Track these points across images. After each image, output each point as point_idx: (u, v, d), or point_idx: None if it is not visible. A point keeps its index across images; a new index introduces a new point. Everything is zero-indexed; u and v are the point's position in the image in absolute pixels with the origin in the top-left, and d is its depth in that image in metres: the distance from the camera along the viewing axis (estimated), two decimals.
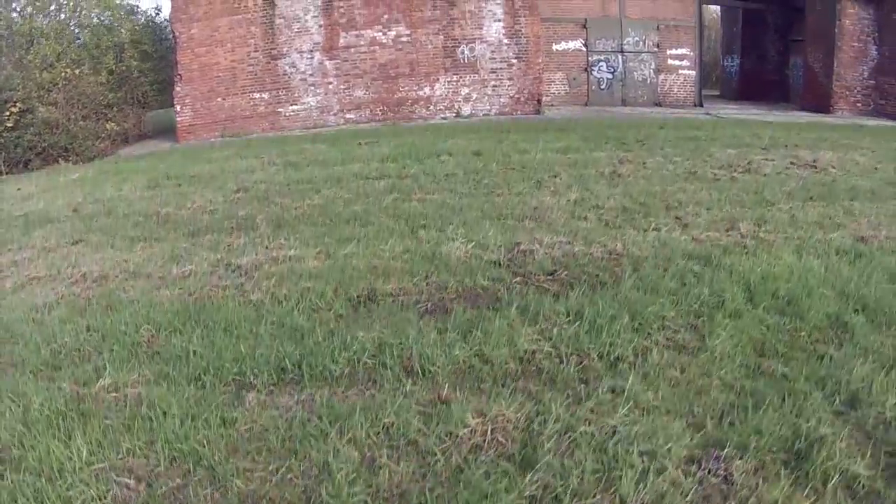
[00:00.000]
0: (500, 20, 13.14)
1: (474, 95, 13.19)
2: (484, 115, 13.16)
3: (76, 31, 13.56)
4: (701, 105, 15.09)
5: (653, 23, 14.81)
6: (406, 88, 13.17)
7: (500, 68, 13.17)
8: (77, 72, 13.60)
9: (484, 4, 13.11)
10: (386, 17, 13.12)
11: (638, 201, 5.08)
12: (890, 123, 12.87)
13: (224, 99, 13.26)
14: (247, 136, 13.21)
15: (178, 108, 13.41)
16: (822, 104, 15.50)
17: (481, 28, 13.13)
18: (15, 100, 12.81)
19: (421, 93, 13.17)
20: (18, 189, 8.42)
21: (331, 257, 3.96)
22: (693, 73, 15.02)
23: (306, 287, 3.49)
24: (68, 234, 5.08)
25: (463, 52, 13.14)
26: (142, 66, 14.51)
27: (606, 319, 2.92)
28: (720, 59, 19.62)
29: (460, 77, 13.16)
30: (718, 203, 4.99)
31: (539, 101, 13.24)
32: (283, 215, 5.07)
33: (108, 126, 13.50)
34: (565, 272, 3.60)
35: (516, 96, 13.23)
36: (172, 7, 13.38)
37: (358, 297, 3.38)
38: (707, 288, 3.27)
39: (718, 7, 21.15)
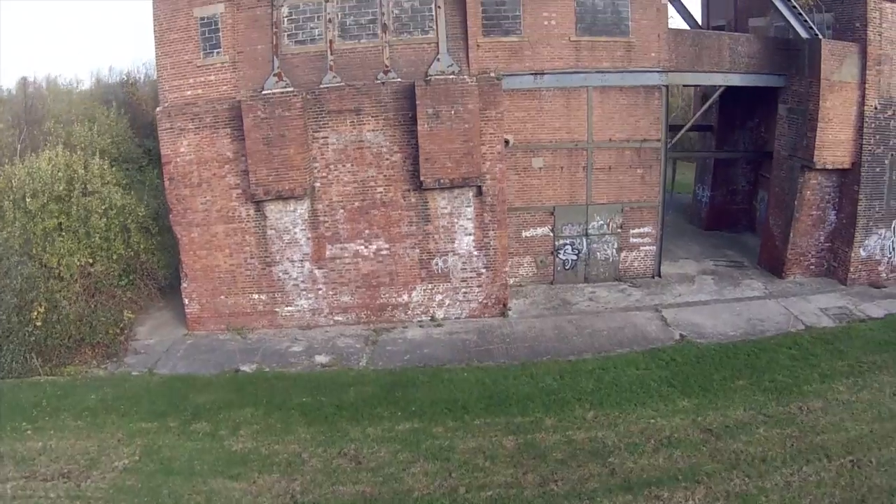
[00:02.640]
0: (470, 234, 15.51)
1: (447, 301, 15.88)
2: (455, 318, 15.93)
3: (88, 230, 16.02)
4: (659, 275, 17.58)
5: (618, 206, 16.93)
6: (387, 295, 15.88)
7: (471, 277, 15.73)
8: (92, 263, 16.33)
9: (456, 220, 15.43)
10: (367, 232, 15.54)
11: None
12: None
13: (227, 297, 16.10)
14: (249, 333, 16.23)
15: (186, 301, 16.29)
16: (776, 267, 17.98)
17: (454, 242, 15.55)
18: (40, 300, 15.73)
19: (400, 299, 15.89)
20: None
21: None
22: (654, 248, 17.34)
23: None
24: None
25: (437, 264, 15.67)
26: (149, 246, 17.08)
27: None
28: (694, 190, 21.63)
29: (435, 286, 15.78)
30: None
31: (504, 305, 15.91)
32: None
33: (126, 315, 16.46)
34: None
35: (484, 301, 15.90)
36: (172, 212, 15.86)
37: None
38: None
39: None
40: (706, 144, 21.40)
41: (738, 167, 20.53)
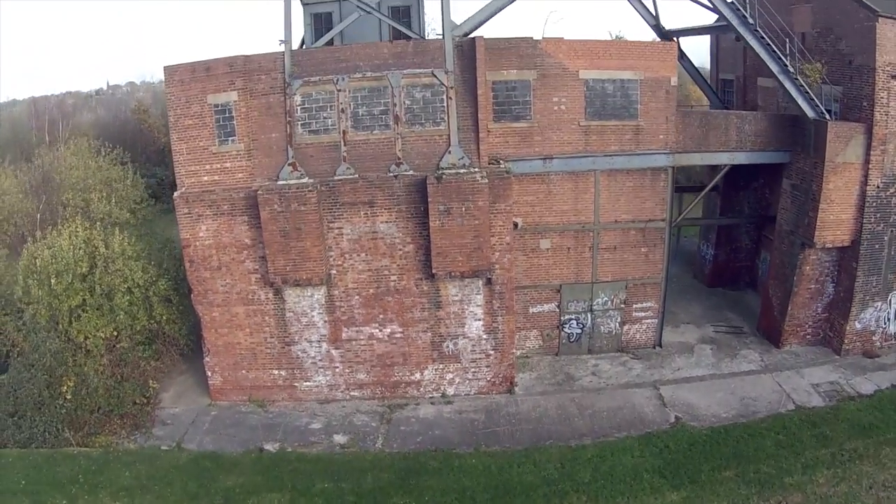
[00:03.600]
0: (480, 319, 16.67)
1: (457, 380, 17.18)
2: (465, 395, 17.28)
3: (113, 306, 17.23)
4: (660, 345, 18.82)
5: (622, 283, 18.01)
6: (400, 374, 17.17)
7: (480, 358, 16.97)
8: (117, 337, 17.61)
9: (466, 307, 16.56)
10: (381, 316, 16.70)
11: None
12: None
13: (248, 371, 17.41)
14: (270, 405, 17.60)
15: (209, 373, 17.63)
16: (774, 336, 19.09)
17: (464, 326, 16.72)
18: (69, 374, 17.01)
19: (413, 378, 17.19)
20: None
21: None
22: (655, 320, 18.51)
23: None
24: None
25: (448, 346, 16.88)
26: (171, 316, 18.29)
27: None
28: (698, 246, 22.56)
29: (446, 366, 17.03)
30: None
31: (511, 383, 17.19)
32: None
33: (151, 385, 17.83)
34: None
35: (492, 380, 17.20)
36: (193, 292, 17.02)
37: None
38: None
39: None
40: (711, 205, 22.29)
41: (741, 226, 21.47)
